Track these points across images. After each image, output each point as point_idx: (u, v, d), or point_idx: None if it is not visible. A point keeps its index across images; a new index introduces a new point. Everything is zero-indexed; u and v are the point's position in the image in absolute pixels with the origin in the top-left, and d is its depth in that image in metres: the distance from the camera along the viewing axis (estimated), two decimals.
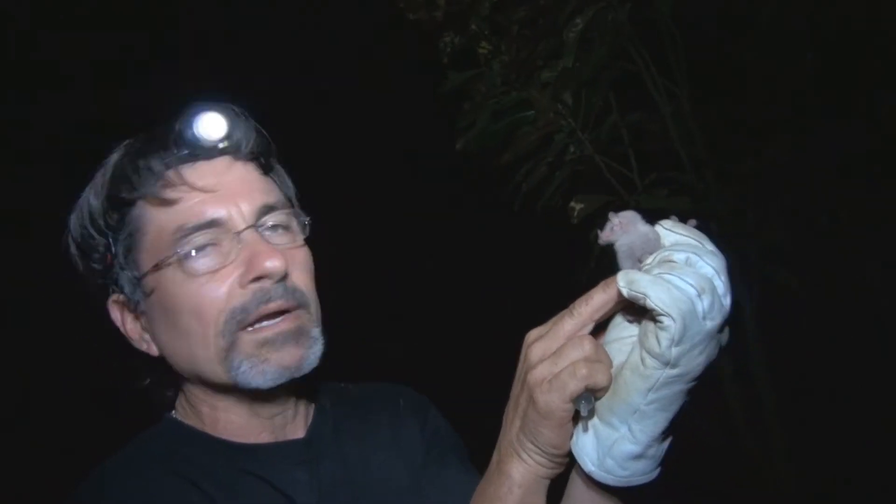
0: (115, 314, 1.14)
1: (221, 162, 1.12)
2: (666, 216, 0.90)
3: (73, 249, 1.15)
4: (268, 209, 1.12)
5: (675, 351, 0.80)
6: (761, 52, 3.15)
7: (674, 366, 0.81)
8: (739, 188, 3.04)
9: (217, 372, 1.07)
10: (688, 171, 2.94)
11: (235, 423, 1.13)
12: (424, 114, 3.70)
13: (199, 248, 1.07)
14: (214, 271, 1.06)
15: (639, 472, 0.89)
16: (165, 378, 1.17)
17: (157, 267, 1.07)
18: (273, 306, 1.07)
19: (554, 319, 0.92)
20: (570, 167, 2.93)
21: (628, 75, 2.93)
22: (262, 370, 1.06)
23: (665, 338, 0.80)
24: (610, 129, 2.90)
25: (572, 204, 2.83)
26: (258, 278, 1.06)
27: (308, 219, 1.18)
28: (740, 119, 3.17)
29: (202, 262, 1.06)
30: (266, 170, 1.17)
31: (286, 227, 1.15)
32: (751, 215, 2.94)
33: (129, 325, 1.14)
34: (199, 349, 1.07)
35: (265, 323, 1.07)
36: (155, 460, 1.08)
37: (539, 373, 0.88)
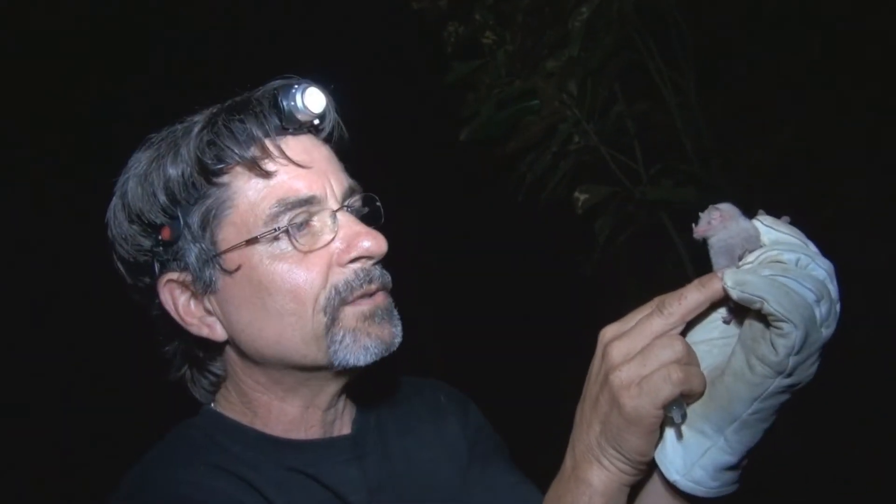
0: (166, 295, 1.06)
1: (308, 139, 1.09)
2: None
3: (122, 224, 1.07)
4: (352, 191, 1.10)
5: (792, 360, 0.75)
6: (767, 42, 3.13)
7: (788, 375, 0.76)
8: (745, 179, 3.02)
9: (308, 351, 1.03)
10: (693, 162, 2.92)
11: (289, 416, 1.10)
12: (428, 104, 3.69)
13: (298, 226, 1.03)
14: (312, 250, 1.03)
15: (727, 483, 0.84)
16: (209, 366, 1.12)
17: (251, 242, 1.02)
18: (374, 286, 1.06)
19: (635, 316, 0.86)
20: (575, 157, 2.91)
21: (634, 65, 2.91)
22: (365, 344, 1.03)
23: (784, 346, 0.74)
24: (615, 120, 2.89)
25: (576, 194, 2.82)
26: (357, 259, 1.05)
27: (379, 202, 1.16)
28: (746, 109, 3.15)
29: (302, 240, 1.03)
30: (339, 153, 1.15)
31: (361, 210, 1.13)
32: (757, 206, 2.92)
33: (183, 308, 1.06)
34: (290, 329, 1.02)
35: (363, 297, 1.06)
36: (199, 455, 1.04)
37: (626, 375, 0.81)
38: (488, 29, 2.90)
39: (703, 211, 0.86)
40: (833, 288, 0.77)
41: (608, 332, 0.87)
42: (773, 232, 0.81)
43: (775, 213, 0.85)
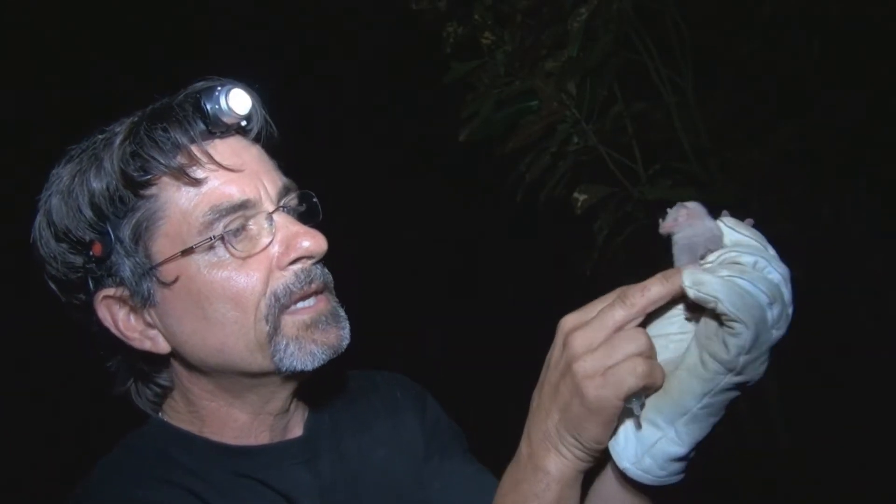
0: (104, 312, 1.03)
1: (236, 141, 1.05)
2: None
3: (49, 242, 1.03)
4: (287, 190, 1.07)
5: (742, 359, 0.78)
6: (766, 41, 3.14)
7: (738, 373, 0.79)
8: (743, 178, 3.03)
9: (253, 360, 1.02)
10: (692, 162, 2.93)
11: (239, 422, 1.08)
12: (427, 104, 3.69)
13: (234, 232, 1.00)
14: (251, 255, 1.01)
15: (674, 473, 0.87)
16: (155, 378, 1.09)
17: (187, 253, 0.99)
18: (315, 286, 1.04)
19: (596, 306, 0.86)
20: (574, 157, 2.92)
21: (632, 65, 2.92)
22: (311, 351, 1.02)
23: (735, 345, 0.78)
24: (614, 119, 2.89)
25: (575, 194, 2.82)
26: (297, 259, 1.03)
27: (316, 198, 1.13)
28: (744, 109, 3.16)
29: (239, 246, 1.00)
30: (270, 151, 1.11)
31: (297, 209, 1.10)
32: (755, 205, 2.93)
33: (122, 323, 1.03)
34: (234, 337, 1.01)
35: (301, 304, 1.03)
36: (147, 468, 1.02)
37: (589, 365, 0.82)
38: (487, 29, 2.90)
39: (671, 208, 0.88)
40: (787, 292, 0.80)
41: (568, 321, 0.87)
42: (734, 233, 0.84)
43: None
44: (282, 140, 1.13)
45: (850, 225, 3.24)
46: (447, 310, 4.87)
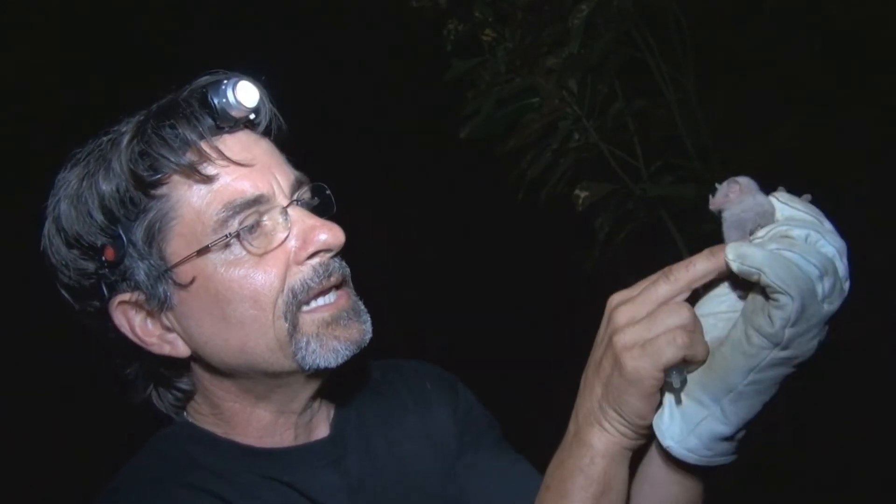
0: (120, 318, 1.01)
1: (245, 135, 1.03)
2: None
3: (60, 249, 1.02)
4: (299, 183, 1.06)
5: (788, 332, 0.76)
6: (767, 38, 3.13)
7: (784, 347, 0.77)
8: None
9: (275, 359, 1.00)
10: (693, 159, 2.92)
11: (263, 422, 1.07)
12: (427, 102, 3.69)
13: (249, 228, 0.98)
14: (267, 251, 0.99)
15: (721, 454, 0.86)
16: (175, 383, 1.08)
17: (202, 252, 0.97)
18: (334, 280, 1.03)
19: (644, 283, 0.86)
20: (575, 154, 2.91)
21: (634, 62, 2.91)
22: (333, 347, 1.01)
23: (779, 317, 0.75)
24: (615, 117, 2.88)
25: (577, 192, 2.81)
26: (315, 253, 1.01)
27: (329, 191, 1.12)
28: (746, 106, 3.15)
29: (255, 243, 0.99)
30: (279, 144, 1.10)
31: (311, 203, 1.09)
32: None
33: (140, 328, 1.01)
34: (254, 337, 0.99)
35: (321, 301, 1.03)
36: (173, 472, 1.01)
37: (629, 336, 0.82)
38: (488, 26, 2.89)
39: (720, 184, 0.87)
40: (842, 266, 0.78)
41: (615, 298, 0.88)
42: (787, 209, 0.82)
43: (797, 192, 0.87)
44: (290, 133, 1.11)
45: (853, 223, 3.24)
46: (447, 309, 4.86)
